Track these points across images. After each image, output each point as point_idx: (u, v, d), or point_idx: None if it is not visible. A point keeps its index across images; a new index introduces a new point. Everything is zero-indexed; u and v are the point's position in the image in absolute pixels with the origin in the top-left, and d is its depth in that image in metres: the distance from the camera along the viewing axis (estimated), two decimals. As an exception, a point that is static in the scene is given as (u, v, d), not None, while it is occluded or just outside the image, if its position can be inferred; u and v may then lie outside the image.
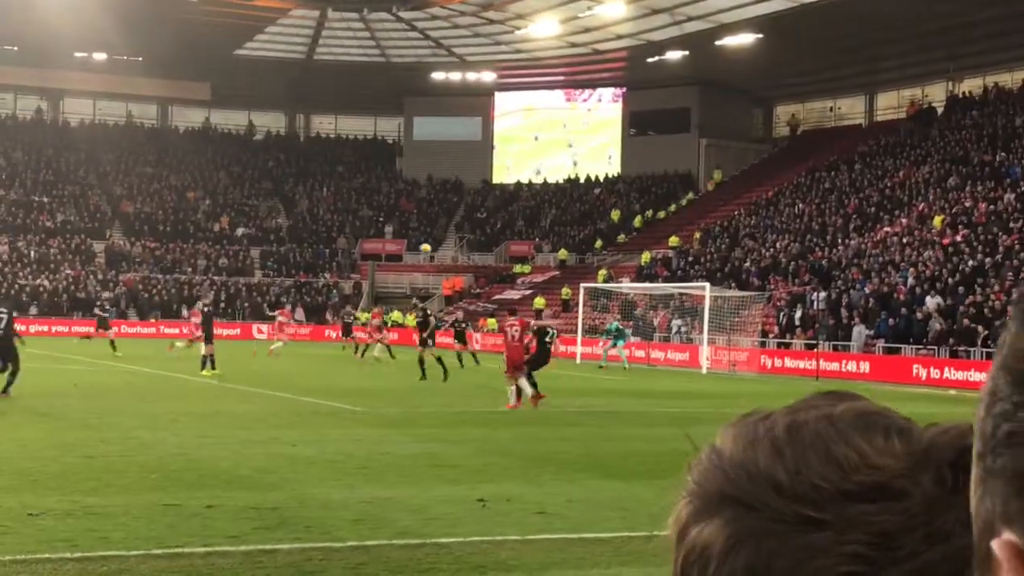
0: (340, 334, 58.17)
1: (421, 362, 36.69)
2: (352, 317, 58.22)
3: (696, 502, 0.98)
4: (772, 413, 1.00)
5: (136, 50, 78.62)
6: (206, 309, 37.88)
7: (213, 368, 35.24)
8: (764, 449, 0.96)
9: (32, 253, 73.11)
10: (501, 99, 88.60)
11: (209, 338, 35.95)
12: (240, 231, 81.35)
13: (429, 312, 42.72)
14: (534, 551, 11.17)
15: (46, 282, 70.46)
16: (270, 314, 57.50)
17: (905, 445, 0.95)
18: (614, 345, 49.61)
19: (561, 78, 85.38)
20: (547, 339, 29.94)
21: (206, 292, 55.21)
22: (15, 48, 78.98)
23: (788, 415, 0.99)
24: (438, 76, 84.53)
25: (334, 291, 75.65)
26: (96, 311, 53.83)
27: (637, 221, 77.28)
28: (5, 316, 26.53)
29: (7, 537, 11.00)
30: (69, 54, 78.32)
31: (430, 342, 37.97)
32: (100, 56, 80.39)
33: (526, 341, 27.96)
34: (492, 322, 62.26)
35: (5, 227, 75.03)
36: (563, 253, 75.72)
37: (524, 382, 27.17)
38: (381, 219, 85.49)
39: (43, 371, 35.26)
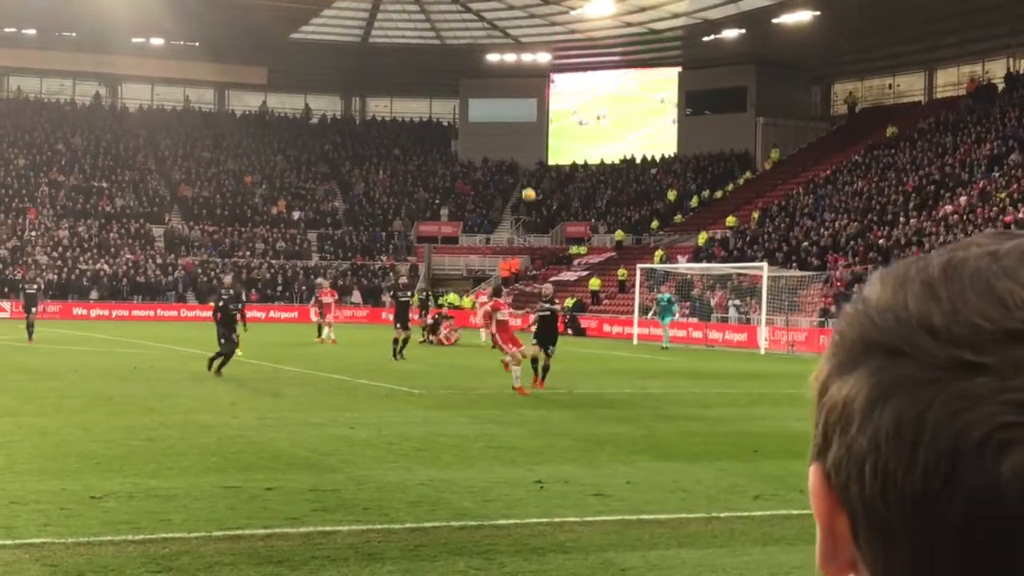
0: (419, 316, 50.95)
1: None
2: (427, 295, 52.66)
3: (839, 354, 0.87)
4: (928, 255, 0.88)
5: (192, 35, 79.17)
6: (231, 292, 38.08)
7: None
8: (915, 289, 0.85)
9: (92, 238, 73.83)
10: (560, 80, 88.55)
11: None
12: (297, 215, 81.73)
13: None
14: (592, 533, 11.15)
15: (106, 266, 71.14)
16: (318, 297, 49.65)
17: None
18: (662, 319, 49.28)
19: (617, 58, 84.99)
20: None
21: (233, 275, 54.82)
22: (73, 34, 79.70)
23: (946, 254, 0.87)
24: (493, 58, 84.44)
25: (390, 273, 75.83)
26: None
27: (694, 201, 76.93)
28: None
29: (71, 520, 11.13)
30: (126, 40, 78.83)
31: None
32: (157, 41, 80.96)
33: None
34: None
35: (66, 212, 75.82)
36: (619, 234, 75.47)
37: None
38: (437, 201, 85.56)
39: (105, 354, 35.66)
